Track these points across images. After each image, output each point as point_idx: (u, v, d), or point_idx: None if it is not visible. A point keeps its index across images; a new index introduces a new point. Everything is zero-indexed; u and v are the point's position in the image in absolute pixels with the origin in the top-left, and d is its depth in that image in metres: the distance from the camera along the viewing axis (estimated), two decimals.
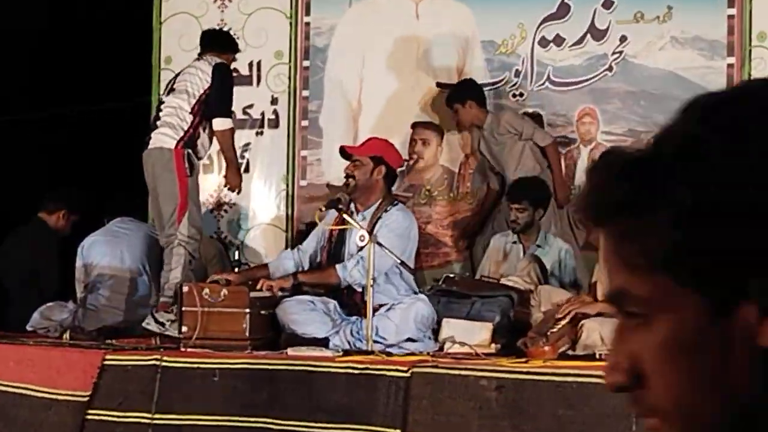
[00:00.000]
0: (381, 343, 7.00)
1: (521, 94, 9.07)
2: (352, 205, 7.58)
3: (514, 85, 9.09)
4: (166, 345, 7.24)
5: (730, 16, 8.57)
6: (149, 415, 6.57)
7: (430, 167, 9.21)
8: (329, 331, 7.23)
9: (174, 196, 7.79)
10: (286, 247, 9.16)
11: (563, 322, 6.83)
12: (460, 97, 8.73)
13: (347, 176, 7.60)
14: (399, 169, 8.90)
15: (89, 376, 6.74)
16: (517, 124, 8.76)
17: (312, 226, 8.52)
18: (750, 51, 8.52)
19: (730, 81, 8.52)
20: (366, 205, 7.46)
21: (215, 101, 7.86)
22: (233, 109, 9.26)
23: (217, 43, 8.26)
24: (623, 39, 8.82)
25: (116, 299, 8.31)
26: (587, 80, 8.93)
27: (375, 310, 7.04)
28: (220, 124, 7.83)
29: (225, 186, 8.30)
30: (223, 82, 7.92)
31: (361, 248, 7.23)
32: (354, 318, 7.24)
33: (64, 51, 10.98)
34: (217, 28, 9.05)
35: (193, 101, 7.84)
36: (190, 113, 7.82)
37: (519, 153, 8.71)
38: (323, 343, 7.13)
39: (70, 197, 9.46)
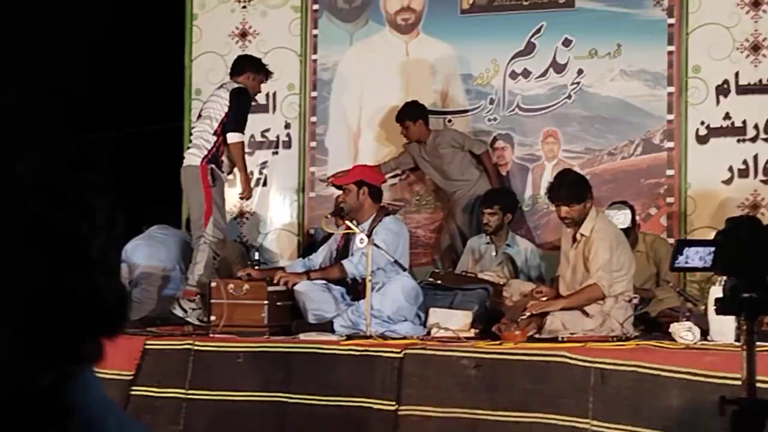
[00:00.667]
0: (377, 317, 7.05)
1: (495, 119, 9.09)
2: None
3: (489, 111, 9.10)
4: (197, 332, 7.29)
5: (670, 52, 8.61)
6: (184, 392, 6.61)
7: (418, 181, 9.24)
8: (335, 312, 7.30)
9: (201, 204, 7.90)
10: (298, 249, 9.25)
11: (529, 312, 6.88)
12: (412, 115, 8.81)
13: (340, 203, 7.78)
14: (391, 183, 9.04)
15: (133, 359, 6.78)
16: (459, 138, 8.90)
17: (318, 232, 8.64)
18: (686, 81, 8.54)
19: (670, 107, 8.58)
20: (362, 220, 7.54)
21: (230, 120, 7.91)
22: (253, 132, 9.36)
23: (235, 68, 8.28)
24: (580, 72, 8.84)
25: (155, 294, 8.36)
26: (550, 107, 8.94)
27: (372, 289, 7.10)
28: (231, 138, 7.89)
29: (239, 196, 8.34)
30: (237, 103, 7.94)
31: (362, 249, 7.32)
32: (357, 302, 7.29)
33: (111, 81, 10.99)
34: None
35: (216, 124, 7.90)
36: (213, 134, 7.90)
37: (460, 162, 8.81)
38: (329, 327, 7.19)
39: (116, 204, 9.47)
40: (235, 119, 7.93)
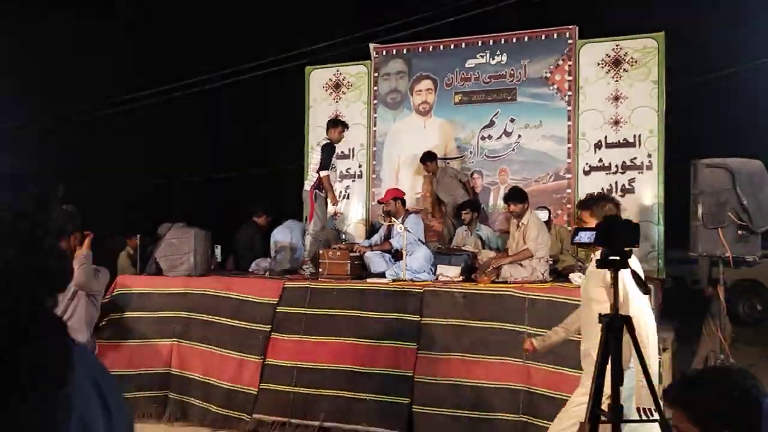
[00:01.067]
0: (410, 269, 7.05)
1: (473, 162, 9.05)
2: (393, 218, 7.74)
3: (469, 157, 9.07)
4: (311, 278, 7.31)
5: (569, 125, 8.55)
6: (304, 310, 6.63)
7: (430, 196, 9.21)
8: (386, 267, 7.31)
9: (308, 211, 7.91)
10: (366, 233, 9.23)
11: (492, 267, 6.86)
12: (431, 158, 8.78)
13: (385, 210, 7.82)
14: (418, 199, 9.00)
15: (277, 292, 6.81)
16: (454, 172, 8.87)
17: (376, 224, 8.62)
18: (578, 141, 8.47)
19: (569, 155, 8.50)
20: (398, 217, 7.59)
21: (321, 163, 7.88)
22: (342, 169, 9.36)
23: (326, 128, 8.22)
24: (519, 136, 8.79)
25: (288, 258, 8.38)
26: (502, 155, 8.89)
27: (406, 255, 7.10)
28: (322, 173, 7.83)
29: (331, 204, 8.25)
30: (324, 153, 7.88)
31: (399, 233, 7.34)
32: (398, 262, 7.29)
33: (269, 140, 11.04)
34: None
35: (317, 167, 7.88)
36: (315, 172, 7.86)
37: (455, 186, 8.75)
38: (383, 275, 7.19)
39: (269, 209, 9.52)
40: (323, 163, 7.91)
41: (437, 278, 7.03)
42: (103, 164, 16.30)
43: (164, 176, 15.96)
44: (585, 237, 3.48)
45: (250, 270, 8.38)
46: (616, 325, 3.17)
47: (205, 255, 7.58)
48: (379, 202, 8.18)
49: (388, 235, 7.88)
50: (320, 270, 7.32)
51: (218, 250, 8.88)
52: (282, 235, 8.57)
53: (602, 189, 8.33)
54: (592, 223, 3.95)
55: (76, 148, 15.93)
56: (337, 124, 8.17)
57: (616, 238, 3.25)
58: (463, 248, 7.83)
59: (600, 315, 3.24)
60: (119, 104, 14.19)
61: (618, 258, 3.23)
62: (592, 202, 4.12)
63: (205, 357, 6.82)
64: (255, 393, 6.48)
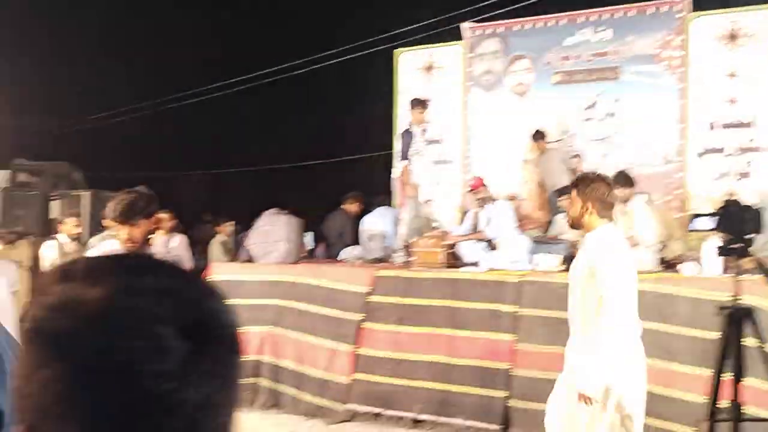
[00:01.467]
0: (506, 259, 7.03)
1: (571, 145, 8.88)
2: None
3: (568, 140, 8.90)
4: (403, 266, 7.34)
5: (681, 105, 8.26)
6: (398, 299, 6.68)
7: (532, 181, 9.06)
8: (480, 257, 7.26)
9: (399, 199, 7.96)
10: (460, 221, 9.18)
11: None
12: (542, 136, 8.59)
13: (478, 198, 7.69)
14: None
15: (370, 280, 6.89)
16: (564, 155, 8.66)
17: (471, 211, 8.58)
18: (690, 121, 8.18)
19: (680, 136, 8.21)
20: (488, 203, 7.55)
21: (402, 153, 7.86)
22: (434, 156, 9.33)
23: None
24: (625, 117, 8.56)
25: (379, 246, 8.44)
26: (606, 138, 8.71)
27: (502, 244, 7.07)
28: (401, 163, 7.83)
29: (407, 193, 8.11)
30: (403, 142, 7.84)
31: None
32: (493, 251, 7.25)
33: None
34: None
35: (400, 156, 7.91)
36: (399, 161, 7.87)
37: (562, 171, 8.55)
38: (477, 264, 7.16)
39: (357, 197, 9.62)
40: (401, 153, 7.89)
41: (535, 268, 6.94)
42: (191, 153, 16.93)
43: (253, 163, 16.44)
44: (704, 224, 3.37)
45: (341, 258, 8.50)
46: (738, 315, 3.06)
47: (296, 242, 7.75)
48: (471, 190, 8.12)
49: (476, 224, 7.83)
50: (414, 257, 7.34)
51: (309, 238, 9.06)
52: (373, 222, 8.64)
53: (717, 173, 8.02)
54: (578, 204, 3.57)
55: (166, 137, 16.61)
56: (415, 104, 8.05)
57: (737, 224, 3.13)
58: (562, 237, 7.69)
59: (720, 306, 3.14)
60: (201, 94, 14.70)
61: (739, 246, 3.11)
62: (582, 181, 3.62)
63: (297, 345, 6.99)
64: (348, 383, 6.59)
